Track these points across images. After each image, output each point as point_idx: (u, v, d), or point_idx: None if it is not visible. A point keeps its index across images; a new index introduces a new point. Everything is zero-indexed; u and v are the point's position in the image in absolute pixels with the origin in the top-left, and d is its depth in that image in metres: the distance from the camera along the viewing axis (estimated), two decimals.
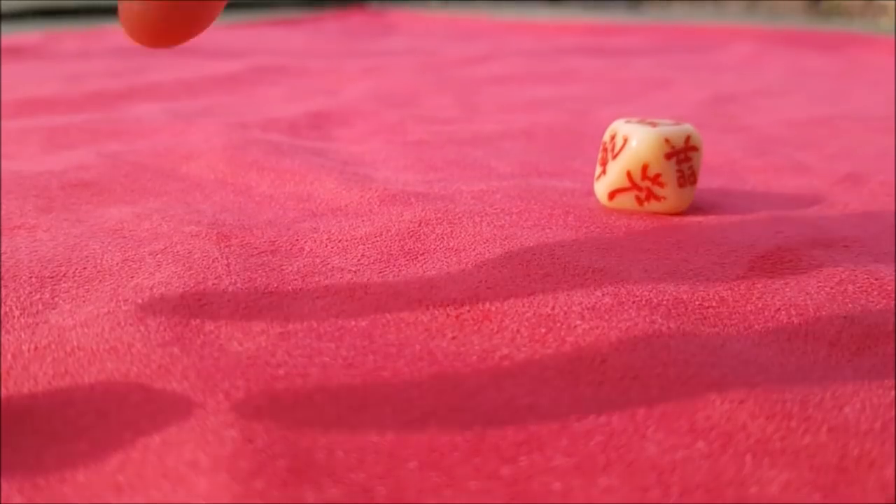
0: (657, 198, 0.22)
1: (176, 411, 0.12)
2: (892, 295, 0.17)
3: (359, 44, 0.72)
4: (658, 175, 0.22)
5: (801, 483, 0.11)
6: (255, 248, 0.19)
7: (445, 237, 0.20)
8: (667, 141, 0.21)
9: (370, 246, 0.19)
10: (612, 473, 0.11)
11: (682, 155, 0.21)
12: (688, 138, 0.22)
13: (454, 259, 0.19)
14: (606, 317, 0.15)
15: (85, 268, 0.18)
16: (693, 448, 0.12)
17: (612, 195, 0.22)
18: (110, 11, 1.02)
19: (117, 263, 0.19)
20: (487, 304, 0.16)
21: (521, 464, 0.11)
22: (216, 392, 0.13)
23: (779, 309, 0.16)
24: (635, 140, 0.21)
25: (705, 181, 0.26)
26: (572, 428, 0.12)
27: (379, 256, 0.19)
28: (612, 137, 0.22)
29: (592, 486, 0.11)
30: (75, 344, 0.15)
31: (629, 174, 0.22)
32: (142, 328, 0.15)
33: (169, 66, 0.53)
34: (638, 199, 0.22)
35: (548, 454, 0.12)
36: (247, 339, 0.15)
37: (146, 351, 0.14)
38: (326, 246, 0.20)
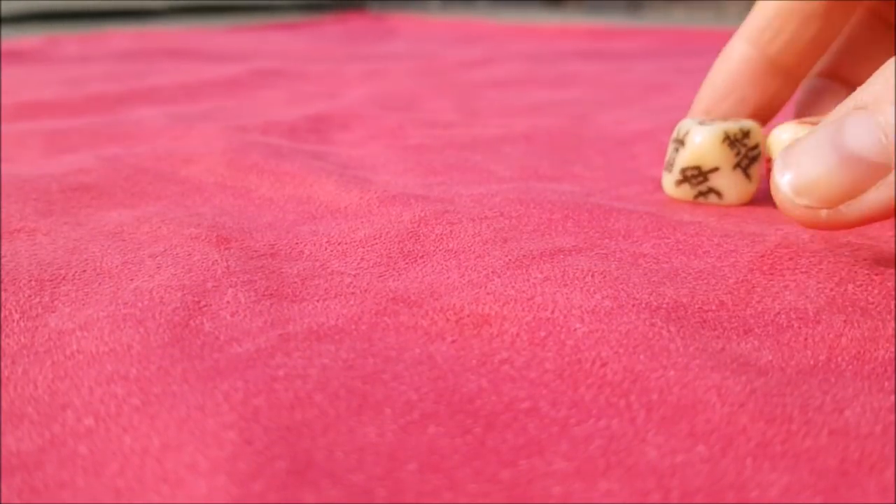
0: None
1: (175, 413, 0.12)
2: (892, 296, 0.17)
3: (359, 48, 0.72)
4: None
5: (802, 486, 0.11)
6: (255, 251, 0.19)
7: (445, 237, 0.20)
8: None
9: (369, 248, 0.19)
10: (612, 477, 0.11)
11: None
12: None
13: (453, 261, 0.19)
14: (606, 320, 0.15)
15: (84, 271, 0.18)
16: (693, 452, 0.12)
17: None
18: (111, 15, 1.02)
19: (117, 266, 0.19)
20: (487, 308, 0.16)
21: (520, 467, 0.11)
22: (215, 394, 0.13)
23: (778, 312, 0.16)
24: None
25: None
26: (572, 432, 0.12)
27: (378, 259, 0.19)
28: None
29: (592, 490, 0.11)
30: (75, 347, 0.15)
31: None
32: (141, 330, 0.15)
33: (169, 69, 0.54)
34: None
35: (548, 458, 0.12)
36: (246, 340, 0.15)
37: (145, 353, 0.14)
38: (326, 248, 0.20)
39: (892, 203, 0.16)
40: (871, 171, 0.16)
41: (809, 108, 0.24)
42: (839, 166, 0.16)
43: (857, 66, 0.24)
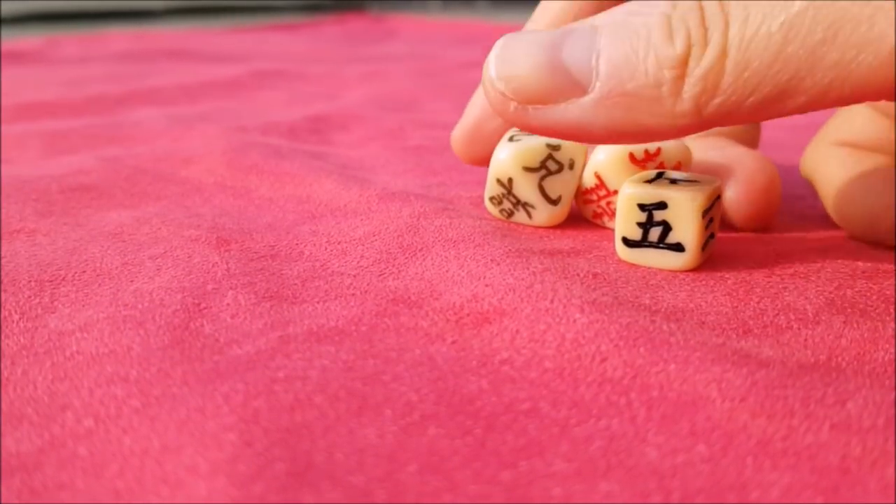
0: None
1: (175, 415, 0.12)
2: (892, 300, 0.17)
3: (358, 49, 0.72)
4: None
5: (803, 486, 0.11)
6: (255, 252, 0.19)
7: (444, 228, 0.20)
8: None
9: (369, 246, 0.19)
10: (613, 479, 0.11)
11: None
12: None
13: (452, 251, 0.19)
14: (607, 311, 0.15)
15: (84, 272, 0.18)
16: (694, 451, 0.12)
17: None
18: (111, 16, 1.02)
19: (116, 267, 0.18)
20: (486, 305, 0.16)
21: (521, 469, 0.11)
22: (215, 396, 0.13)
23: (777, 313, 0.16)
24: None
25: None
26: (572, 433, 0.12)
27: (378, 256, 0.19)
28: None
29: (593, 492, 0.11)
30: (74, 348, 0.15)
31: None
32: (141, 332, 0.15)
33: (169, 70, 0.54)
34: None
35: (548, 459, 0.11)
36: (246, 342, 0.15)
37: (145, 354, 0.14)
38: (326, 249, 0.20)
39: (576, 125, 0.15)
40: (568, 86, 0.15)
41: None
42: (543, 68, 0.15)
43: None
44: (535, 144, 0.20)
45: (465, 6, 1.27)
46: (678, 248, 0.18)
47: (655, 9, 0.14)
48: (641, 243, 0.18)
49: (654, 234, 0.18)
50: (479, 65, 0.62)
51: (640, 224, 0.18)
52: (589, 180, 0.21)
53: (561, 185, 0.20)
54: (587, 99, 0.15)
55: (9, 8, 0.96)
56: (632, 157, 0.20)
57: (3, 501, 0.11)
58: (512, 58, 0.16)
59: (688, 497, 0.11)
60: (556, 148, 0.20)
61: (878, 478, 0.11)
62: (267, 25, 0.93)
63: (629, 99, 0.14)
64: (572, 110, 0.15)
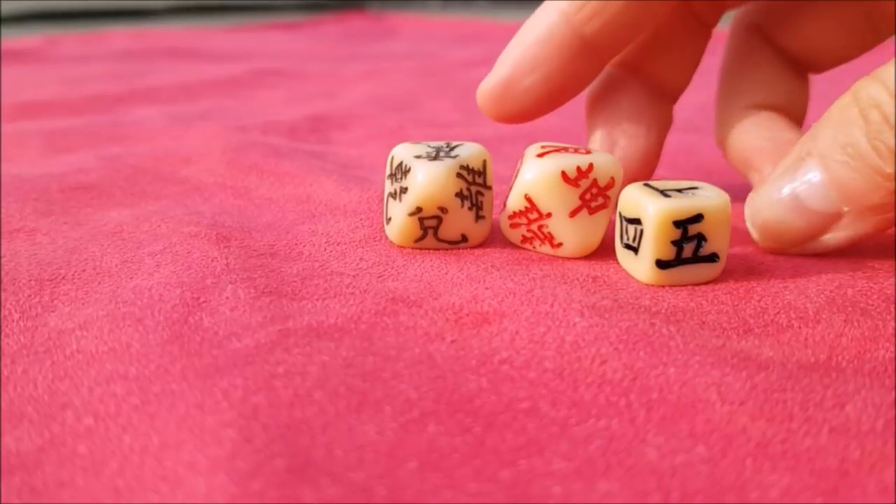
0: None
1: (174, 412, 0.12)
2: (892, 298, 0.17)
3: (358, 47, 0.72)
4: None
5: (802, 487, 0.11)
6: (255, 250, 0.19)
7: None
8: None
9: (369, 248, 0.19)
10: (612, 478, 0.11)
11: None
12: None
13: (453, 255, 0.19)
14: (606, 315, 0.15)
15: (84, 270, 0.18)
16: (693, 452, 0.12)
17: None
18: (110, 15, 1.02)
19: (116, 265, 0.18)
20: (486, 306, 0.16)
21: (520, 467, 0.11)
22: (214, 391, 0.13)
23: (778, 312, 0.16)
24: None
25: None
26: (572, 432, 0.12)
27: (377, 259, 0.19)
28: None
29: (592, 491, 0.11)
30: (74, 346, 0.15)
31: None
32: (140, 328, 0.15)
33: (169, 69, 0.54)
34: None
35: (547, 458, 0.12)
36: (245, 335, 0.15)
37: (144, 351, 0.14)
38: (325, 249, 0.20)
39: (856, 237, 0.18)
40: (823, 220, 0.18)
41: (602, 100, 0.23)
42: (793, 216, 0.18)
43: (657, 59, 0.22)
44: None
45: (465, 5, 1.27)
46: (712, 258, 0.17)
47: (856, 132, 0.17)
48: (675, 262, 0.17)
49: (689, 249, 0.17)
50: (478, 63, 0.61)
51: (674, 242, 0.17)
52: (517, 203, 0.18)
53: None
54: (845, 222, 0.17)
55: (8, 7, 0.96)
56: (564, 175, 0.18)
57: (3, 500, 0.11)
58: (762, 218, 0.19)
59: (687, 497, 0.11)
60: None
61: (877, 480, 0.11)
62: (267, 24, 0.93)
63: (876, 208, 0.17)
64: (841, 236, 0.18)
